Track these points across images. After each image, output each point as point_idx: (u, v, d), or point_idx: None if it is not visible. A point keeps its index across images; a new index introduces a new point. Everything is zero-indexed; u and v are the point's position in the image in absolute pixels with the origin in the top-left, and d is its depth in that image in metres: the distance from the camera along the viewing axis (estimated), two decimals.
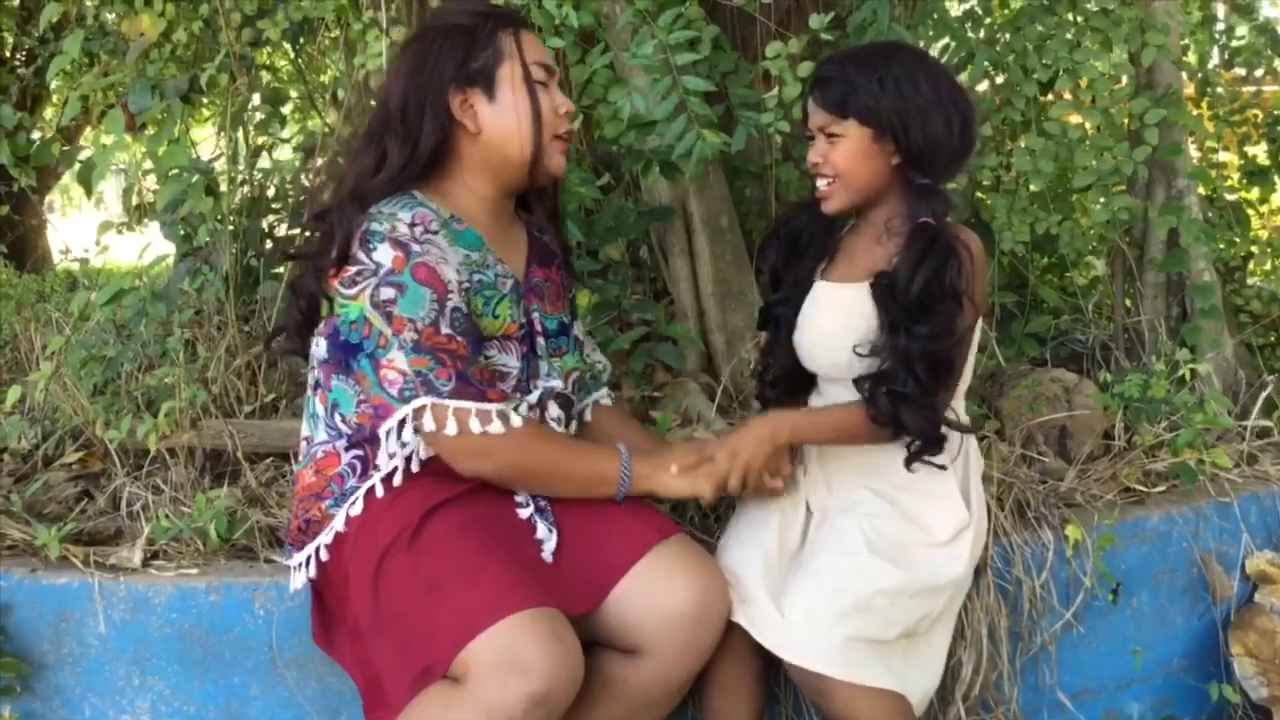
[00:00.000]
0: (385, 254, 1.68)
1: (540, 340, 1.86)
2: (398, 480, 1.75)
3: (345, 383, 1.77)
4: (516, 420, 1.73)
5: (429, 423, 1.68)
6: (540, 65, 1.81)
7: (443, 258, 1.71)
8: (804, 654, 1.75)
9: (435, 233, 1.73)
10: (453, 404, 1.67)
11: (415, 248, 1.69)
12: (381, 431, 1.71)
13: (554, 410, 1.85)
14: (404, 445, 1.72)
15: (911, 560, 1.83)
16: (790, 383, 2.04)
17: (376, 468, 1.75)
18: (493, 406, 1.70)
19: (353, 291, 1.70)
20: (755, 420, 1.89)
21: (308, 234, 1.81)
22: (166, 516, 2.17)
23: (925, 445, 1.83)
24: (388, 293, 1.67)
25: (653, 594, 1.74)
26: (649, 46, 2.15)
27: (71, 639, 2.03)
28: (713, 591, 1.77)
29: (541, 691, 1.50)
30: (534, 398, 1.82)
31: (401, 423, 1.70)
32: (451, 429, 1.68)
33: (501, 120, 1.78)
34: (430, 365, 1.67)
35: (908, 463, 1.85)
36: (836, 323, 1.89)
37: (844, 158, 1.83)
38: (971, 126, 1.85)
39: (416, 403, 1.68)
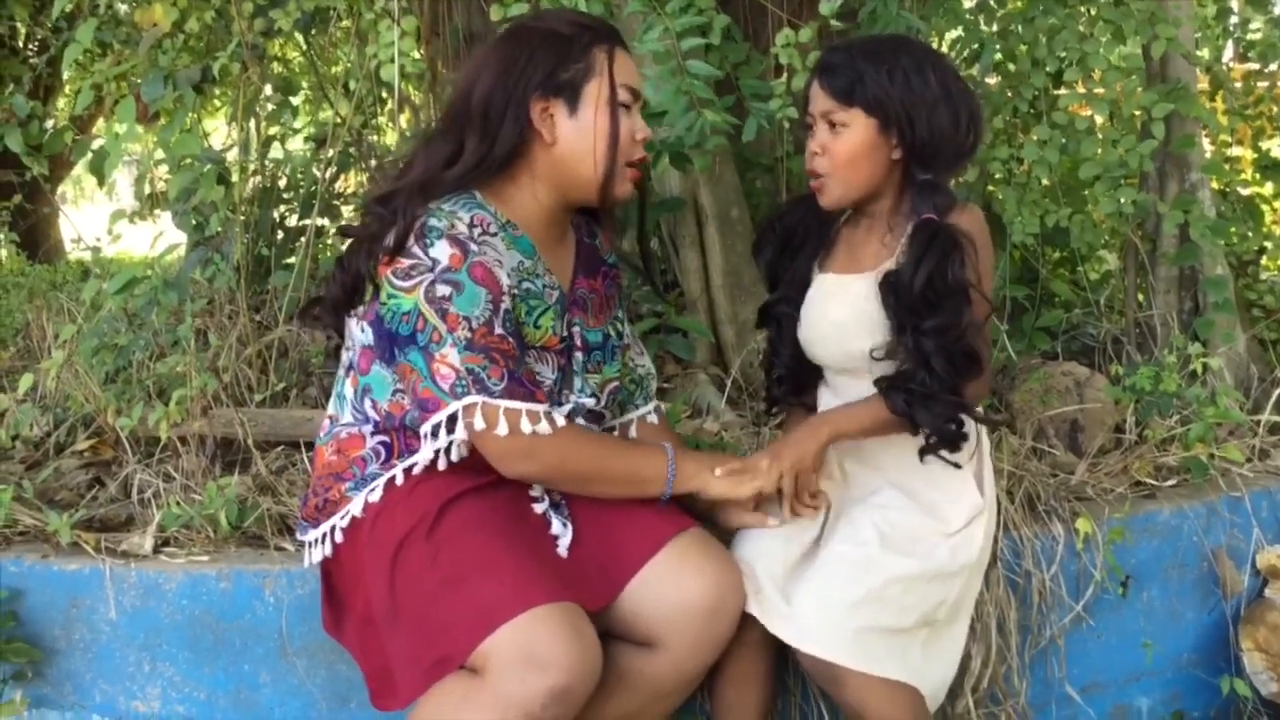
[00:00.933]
0: (443, 251, 1.67)
1: (579, 355, 1.86)
2: (418, 471, 1.74)
3: (385, 370, 1.76)
4: (560, 420, 1.72)
5: (479, 421, 1.66)
6: (628, 88, 1.79)
7: (498, 260, 1.71)
8: (817, 643, 1.75)
9: (494, 235, 1.73)
10: (504, 403, 1.66)
11: (473, 247, 1.68)
12: (428, 425, 1.69)
13: (580, 423, 1.84)
14: (448, 440, 1.70)
15: (924, 549, 1.83)
16: (795, 380, 2.04)
17: (401, 456, 1.75)
18: (541, 407, 1.69)
19: (407, 284, 1.68)
20: (795, 427, 1.88)
21: (366, 214, 1.79)
22: (177, 504, 2.18)
23: (941, 441, 1.82)
24: (444, 289, 1.66)
25: (668, 587, 1.74)
26: (655, 33, 2.14)
27: (82, 625, 2.04)
28: (728, 585, 1.77)
29: (561, 686, 1.51)
30: (564, 410, 1.80)
31: (451, 418, 1.68)
32: (502, 429, 1.66)
33: (579, 136, 1.76)
34: (484, 364, 1.66)
35: (921, 454, 1.85)
36: (845, 313, 1.89)
37: (846, 147, 1.81)
38: (978, 124, 1.83)
39: (468, 400, 1.66)
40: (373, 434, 1.77)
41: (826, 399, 2.01)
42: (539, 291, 1.78)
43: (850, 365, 1.91)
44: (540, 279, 1.79)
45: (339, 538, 1.76)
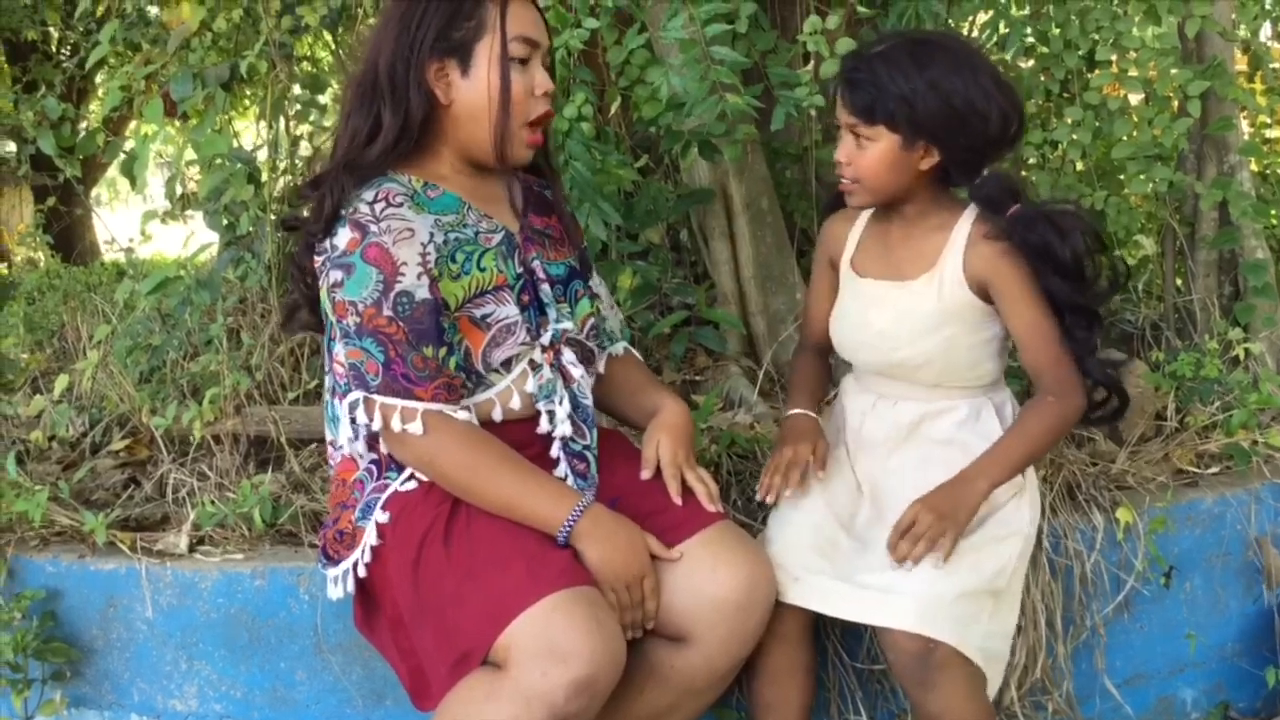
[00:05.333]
0: (343, 237, 1.65)
1: (545, 287, 1.81)
2: (410, 486, 1.73)
3: None
4: (461, 416, 1.67)
5: (361, 415, 1.65)
6: (523, 40, 1.72)
7: (406, 229, 1.66)
8: (903, 617, 1.71)
9: (399, 205, 1.68)
10: (379, 399, 1.64)
11: (372, 228, 1.64)
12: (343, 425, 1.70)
13: (569, 355, 1.81)
14: (362, 433, 1.69)
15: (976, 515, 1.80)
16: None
17: (388, 471, 1.74)
18: (419, 405, 1.64)
19: (321, 280, 1.69)
20: (953, 484, 1.79)
21: (301, 201, 1.77)
22: (212, 502, 2.19)
23: (1121, 402, 1.85)
24: (336, 275, 1.65)
25: (698, 580, 1.72)
26: (679, 21, 2.12)
27: (119, 624, 2.06)
28: (758, 577, 1.75)
29: (584, 677, 1.49)
30: (545, 339, 1.78)
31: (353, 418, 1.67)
32: (377, 423, 1.65)
33: (473, 96, 1.72)
34: (362, 358, 1.63)
35: (1098, 423, 1.88)
36: (888, 322, 1.87)
37: (870, 161, 1.79)
38: (1017, 118, 1.80)
39: (351, 397, 1.65)
40: (365, 451, 1.75)
41: (851, 393, 2.00)
42: (472, 238, 1.74)
43: (890, 372, 1.91)
44: (472, 227, 1.75)
45: (362, 573, 1.73)
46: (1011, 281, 1.80)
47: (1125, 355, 2.57)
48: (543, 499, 1.67)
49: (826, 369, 2.08)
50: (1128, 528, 2.14)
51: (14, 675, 2.03)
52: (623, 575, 1.66)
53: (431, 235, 1.69)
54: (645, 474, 1.82)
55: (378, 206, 1.67)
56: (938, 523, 1.74)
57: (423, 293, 1.65)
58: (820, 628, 1.96)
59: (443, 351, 1.66)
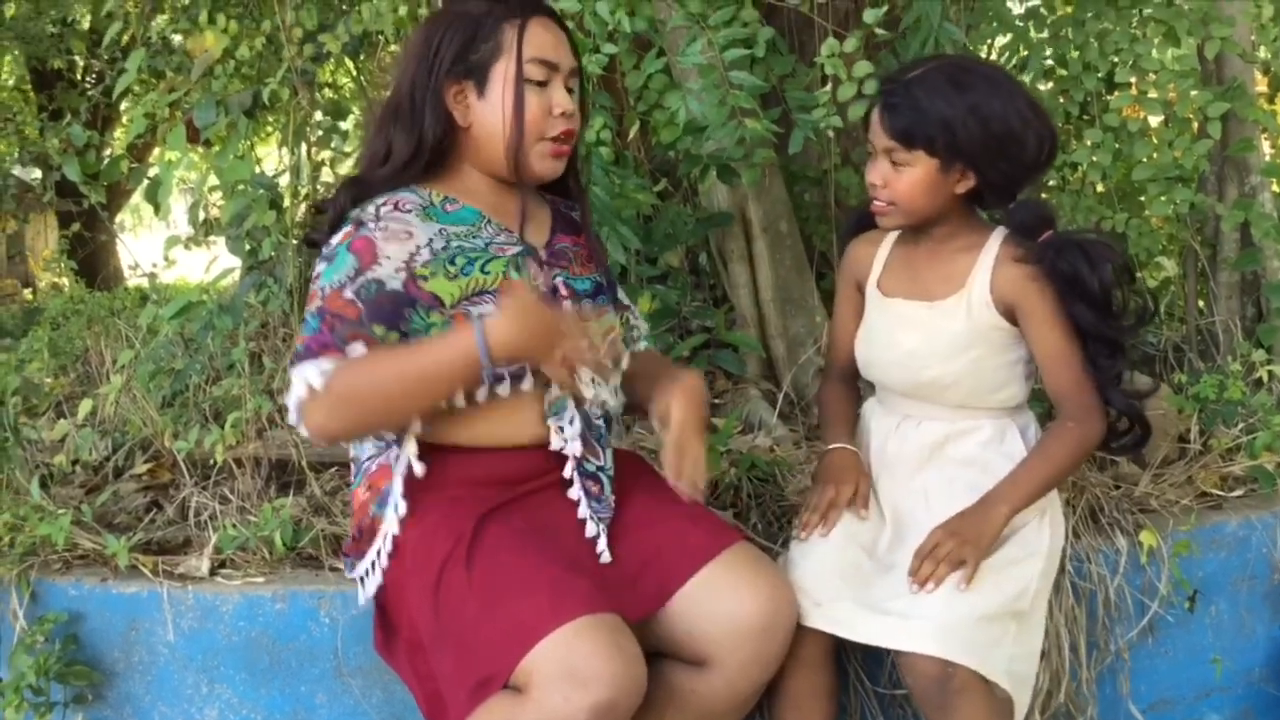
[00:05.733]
0: (339, 233, 1.68)
1: (567, 303, 1.80)
2: (418, 468, 1.71)
3: None
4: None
5: (296, 389, 1.61)
6: (539, 62, 1.74)
7: (405, 231, 1.67)
8: (923, 641, 1.69)
9: (407, 212, 1.71)
10: (294, 371, 1.60)
11: (370, 224, 1.67)
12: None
13: (584, 375, 1.78)
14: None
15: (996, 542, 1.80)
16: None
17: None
18: (326, 362, 1.59)
19: None
20: (975, 510, 1.80)
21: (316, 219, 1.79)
22: (233, 526, 2.19)
23: (1143, 431, 1.86)
24: (319, 267, 1.67)
25: (718, 604, 1.71)
26: (697, 46, 2.13)
27: (141, 647, 2.06)
28: (780, 601, 1.74)
29: (604, 701, 1.48)
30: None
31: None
32: (292, 395, 1.61)
33: (490, 117, 1.74)
34: (303, 344, 1.62)
35: (1119, 451, 1.90)
36: (916, 343, 1.88)
37: (907, 185, 1.80)
38: (1051, 141, 1.80)
39: (293, 396, 1.62)
40: (397, 458, 1.75)
41: (876, 415, 2.00)
42: (482, 247, 1.73)
43: (916, 392, 1.91)
44: (485, 239, 1.75)
45: (385, 562, 1.74)
46: (1037, 305, 1.80)
47: (1153, 382, 2.55)
48: (440, 346, 1.61)
49: (856, 396, 2.07)
50: (1151, 551, 2.12)
51: (36, 698, 2.04)
52: (543, 333, 1.58)
53: (430, 240, 1.70)
54: (656, 427, 1.79)
55: (384, 209, 1.70)
56: (959, 547, 1.73)
57: (394, 284, 1.65)
58: (842, 651, 1.95)
59: (394, 336, 1.65)
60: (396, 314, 1.65)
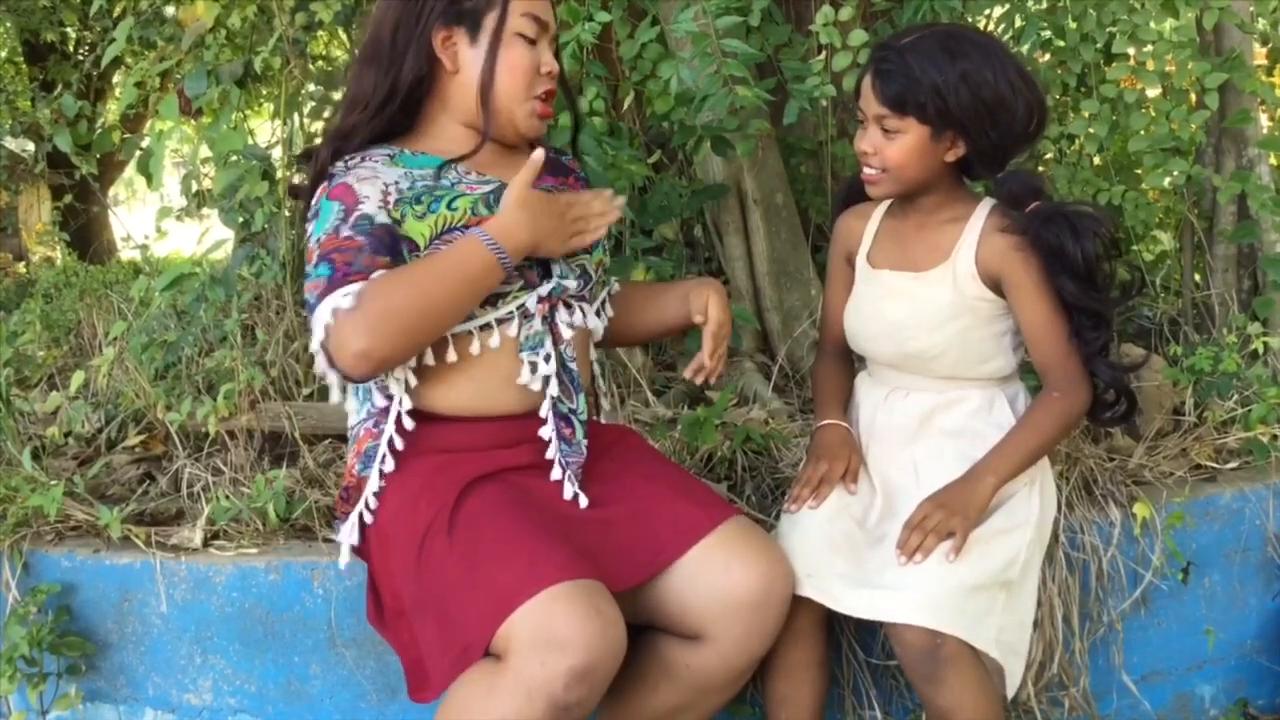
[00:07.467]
0: (317, 191, 1.70)
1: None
2: (408, 421, 1.70)
3: None
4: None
5: (321, 334, 1.59)
6: (532, 18, 1.75)
7: (372, 174, 1.69)
8: (911, 612, 1.70)
9: (376, 161, 1.72)
10: (319, 308, 1.58)
11: (341, 173, 1.69)
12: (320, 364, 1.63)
13: (564, 315, 1.78)
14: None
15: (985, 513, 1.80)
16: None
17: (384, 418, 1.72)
18: (348, 287, 1.57)
19: None
20: (962, 481, 1.80)
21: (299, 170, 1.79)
22: (226, 497, 2.19)
23: (1128, 411, 1.85)
24: (308, 227, 1.68)
25: (713, 578, 1.71)
26: (690, 13, 2.11)
27: (134, 618, 2.06)
28: (775, 575, 1.73)
29: (581, 665, 1.48)
30: (544, 290, 1.75)
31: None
32: (320, 333, 1.58)
33: (478, 64, 1.74)
34: (312, 289, 1.60)
35: (1107, 424, 1.89)
36: (903, 314, 1.87)
37: (898, 152, 1.79)
38: (1040, 112, 1.80)
39: (316, 336, 1.60)
40: (364, 406, 1.76)
41: (865, 387, 2.00)
42: (448, 187, 1.73)
43: (903, 364, 1.90)
44: (452, 180, 1.74)
45: (369, 519, 1.74)
46: (1023, 276, 1.79)
47: (1145, 352, 2.55)
48: (454, 252, 1.64)
49: (850, 371, 2.07)
50: (1145, 523, 2.12)
51: (30, 669, 2.04)
52: (555, 218, 1.69)
53: (398, 181, 1.70)
54: (696, 318, 1.84)
55: (352, 160, 1.71)
56: (947, 519, 1.74)
57: (383, 217, 1.66)
58: (834, 623, 1.95)
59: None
60: (395, 247, 1.65)
